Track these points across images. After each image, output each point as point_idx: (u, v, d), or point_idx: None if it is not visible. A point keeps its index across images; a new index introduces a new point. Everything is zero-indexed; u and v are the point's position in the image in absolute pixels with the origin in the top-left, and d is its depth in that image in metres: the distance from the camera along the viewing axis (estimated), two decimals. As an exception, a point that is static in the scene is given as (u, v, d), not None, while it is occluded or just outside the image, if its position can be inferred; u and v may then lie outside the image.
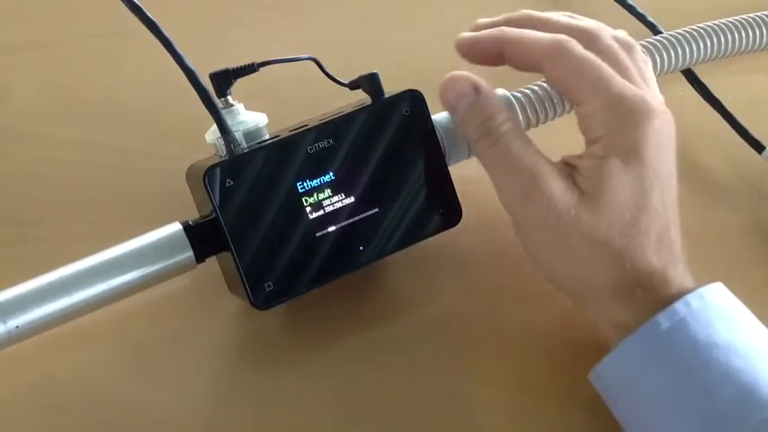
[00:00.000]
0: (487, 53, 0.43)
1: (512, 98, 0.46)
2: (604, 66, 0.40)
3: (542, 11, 0.43)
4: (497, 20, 0.45)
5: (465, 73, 0.41)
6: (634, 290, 0.38)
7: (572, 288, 0.41)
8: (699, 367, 0.36)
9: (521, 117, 0.46)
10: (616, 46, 0.42)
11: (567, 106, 0.48)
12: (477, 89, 0.41)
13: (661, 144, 0.40)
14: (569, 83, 0.41)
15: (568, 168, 0.40)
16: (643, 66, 0.43)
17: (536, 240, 0.40)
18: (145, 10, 0.40)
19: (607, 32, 0.43)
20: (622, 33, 0.44)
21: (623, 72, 0.41)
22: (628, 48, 0.43)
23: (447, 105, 0.42)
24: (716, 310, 0.38)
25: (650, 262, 0.38)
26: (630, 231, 0.38)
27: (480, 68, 0.52)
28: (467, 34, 0.44)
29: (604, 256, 0.38)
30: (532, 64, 0.42)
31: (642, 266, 0.38)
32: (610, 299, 0.39)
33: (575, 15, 0.44)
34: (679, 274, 0.39)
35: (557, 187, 0.39)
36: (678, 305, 0.37)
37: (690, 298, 0.37)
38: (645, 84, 0.42)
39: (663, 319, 0.37)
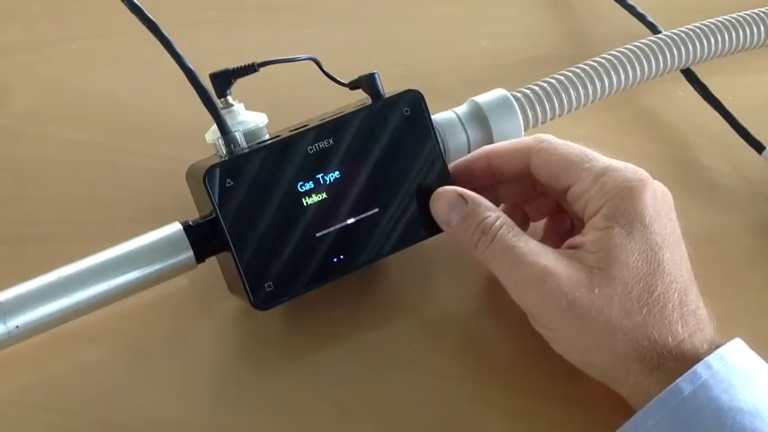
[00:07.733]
0: (476, 170, 0.43)
1: (511, 98, 0.46)
2: (585, 148, 0.41)
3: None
4: None
5: (448, 187, 0.42)
6: (666, 362, 0.37)
7: (606, 369, 0.39)
8: None
9: (521, 118, 0.46)
10: None
11: (567, 106, 0.49)
12: (463, 197, 0.41)
13: (660, 210, 0.39)
14: (557, 167, 0.41)
15: (571, 251, 0.40)
16: None
17: (556, 326, 0.39)
18: (145, 10, 0.40)
19: None
20: None
21: None
22: None
23: (440, 220, 0.42)
24: (737, 371, 0.37)
25: (677, 331, 0.38)
26: (649, 299, 0.38)
27: (472, 66, 0.52)
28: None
29: (628, 329, 0.37)
30: (518, 164, 0.43)
31: (670, 336, 0.37)
32: (643, 374, 0.37)
33: None
34: (707, 341, 0.38)
35: (563, 267, 0.38)
36: (699, 368, 0.36)
37: (710, 360, 0.37)
38: None
39: (684, 383, 0.36)
